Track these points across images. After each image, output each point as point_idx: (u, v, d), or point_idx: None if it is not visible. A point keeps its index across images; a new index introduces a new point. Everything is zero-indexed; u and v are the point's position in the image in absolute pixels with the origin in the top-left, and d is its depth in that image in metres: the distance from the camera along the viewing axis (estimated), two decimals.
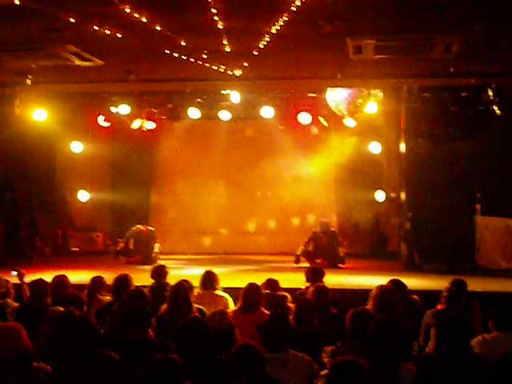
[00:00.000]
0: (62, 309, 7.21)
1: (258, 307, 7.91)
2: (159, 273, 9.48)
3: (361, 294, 8.63)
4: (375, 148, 17.00)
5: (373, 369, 4.86)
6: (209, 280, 9.04)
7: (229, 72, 11.38)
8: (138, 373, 4.57)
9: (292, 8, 7.77)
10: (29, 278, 9.30)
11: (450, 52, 9.72)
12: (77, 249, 17.91)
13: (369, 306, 7.36)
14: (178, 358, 4.69)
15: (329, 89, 14.25)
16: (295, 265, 14.48)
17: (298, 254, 14.90)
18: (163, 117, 17.85)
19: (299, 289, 9.12)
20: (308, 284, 9.06)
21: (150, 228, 16.16)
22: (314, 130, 17.17)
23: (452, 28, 8.78)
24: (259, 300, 7.99)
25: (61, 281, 8.75)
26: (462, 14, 8.19)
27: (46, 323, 7.08)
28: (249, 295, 8.02)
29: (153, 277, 9.43)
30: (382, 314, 6.78)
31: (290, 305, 8.21)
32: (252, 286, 8.15)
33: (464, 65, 10.94)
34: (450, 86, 13.33)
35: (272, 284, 8.86)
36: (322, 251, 14.94)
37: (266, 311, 7.83)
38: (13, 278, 9.53)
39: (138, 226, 16.03)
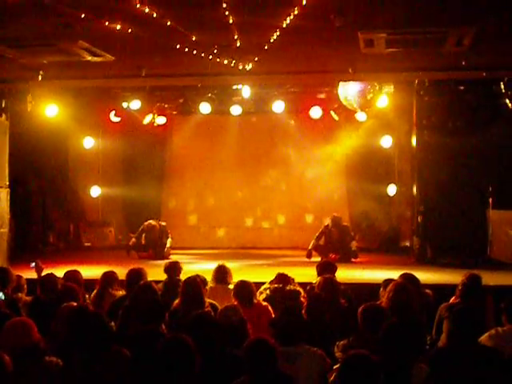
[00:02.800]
0: (74, 304, 7.23)
1: (251, 302, 7.92)
2: (172, 268, 9.48)
3: (373, 289, 8.62)
4: (387, 142, 16.96)
5: (385, 367, 4.86)
6: (221, 274, 9.05)
7: (240, 67, 11.37)
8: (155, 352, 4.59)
9: (302, 2, 7.76)
10: (43, 272, 9.34)
11: (461, 45, 9.68)
12: (89, 244, 17.96)
13: (382, 300, 7.35)
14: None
15: (340, 83, 14.22)
16: (307, 259, 14.45)
17: (310, 248, 14.87)
18: (174, 112, 17.87)
19: (311, 283, 9.11)
20: (319, 278, 9.05)
21: (162, 223, 16.17)
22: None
23: (464, 21, 8.75)
24: (250, 295, 8.00)
25: (73, 276, 8.77)
26: (474, 7, 8.16)
27: (59, 318, 7.12)
28: (238, 292, 8.03)
29: (166, 272, 9.44)
30: (395, 310, 6.78)
31: (303, 299, 8.22)
32: (240, 283, 8.16)
33: (476, 58, 10.90)
34: (461, 79, 13.28)
35: (283, 278, 8.86)
36: (334, 245, 14.92)
37: (264, 303, 7.95)
38: (29, 271, 9.59)
39: (150, 221, 16.04)
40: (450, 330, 5.85)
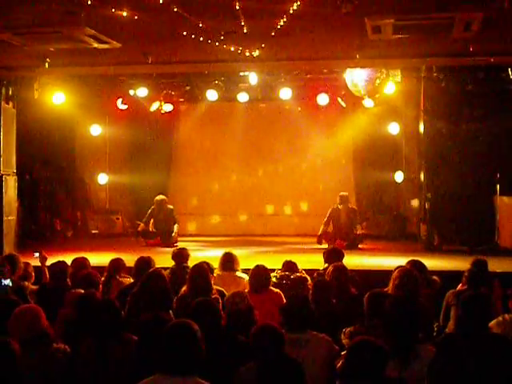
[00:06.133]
0: (82, 291, 7.25)
1: (266, 287, 7.96)
2: (180, 255, 9.49)
3: (380, 276, 8.62)
4: (394, 128, 16.93)
5: (391, 349, 4.87)
6: (228, 261, 9.06)
7: (246, 53, 11.34)
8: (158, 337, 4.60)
9: None
10: (49, 260, 9.36)
11: (469, 31, 9.63)
12: (96, 231, 17.98)
13: (389, 287, 7.34)
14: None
15: (347, 69, 14.18)
16: (318, 245, 14.35)
17: (320, 233, 14.86)
18: (181, 99, 17.87)
19: (317, 270, 9.12)
20: (326, 265, 9.06)
21: (170, 206, 16.02)
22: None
23: (471, 6, 8.69)
24: (266, 280, 8.03)
25: (81, 263, 8.80)
26: None
27: (67, 305, 7.15)
28: (255, 277, 8.05)
29: (174, 259, 9.45)
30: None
31: (310, 286, 8.23)
32: (258, 268, 8.18)
33: (483, 44, 10.85)
34: (469, 65, 13.21)
35: (290, 266, 8.87)
36: (342, 231, 14.89)
37: (276, 290, 7.94)
38: (33, 260, 9.60)
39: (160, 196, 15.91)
40: (458, 317, 5.83)
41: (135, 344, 5.53)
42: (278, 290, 7.97)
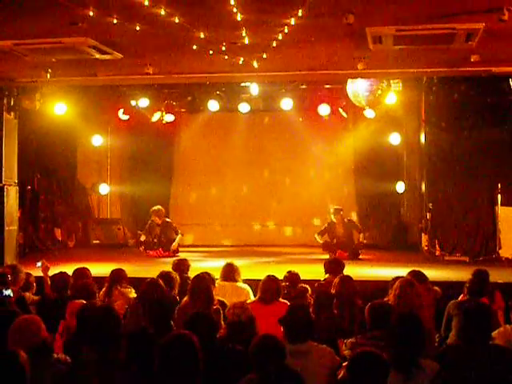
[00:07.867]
0: (83, 301, 7.26)
1: (277, 298, 7.93)
2: (181, 266, 9.49)
3: (381, 286, 8.61)
4: (395, 139, 16.93)
5: (395, 362, 4.85)
6: (230, 272, 9.06)
7: (248, 64, 11.35)
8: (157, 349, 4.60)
9: None
10: (50, 270, 9.37)
11: (470, 41, 9.64)
12: (97, 241, 17.98)
13: (389, 297, 7.33)
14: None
15: (348, 80, 14.20)
16: (319, 256, 14.22)
17: (322, 241, 14.90)
18: (183, 109, 17.90)
19: (318, 281, 9.11)
20: (327, 276, 9.06)
21: (167, 219, 16.02)
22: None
23: (473, 17, 8.71)
24: (277, 291, 8.01)
25: (81, 273, 8.80)
26: (483, 3, 8.12)
27: (68, 316, 7.15)
28: (267, 287, 8.03)
29: (174, 270, 9.43)
30: (401, 307, 6.77)
31: (310, 297, 8.23)
32: (270, 278, 8.16)
33: (485, 54, 10.85)
34: (470, 76, 13.22)
35: (292, 277, 8.86)
36: (341, 241, 14.89)
37: (285, 301, 7.88)
38: (35, 270, 9.62)
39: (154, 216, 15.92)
40: (460, 327, 5.83)
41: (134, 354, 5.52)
42: (286, 302, 7.93)
